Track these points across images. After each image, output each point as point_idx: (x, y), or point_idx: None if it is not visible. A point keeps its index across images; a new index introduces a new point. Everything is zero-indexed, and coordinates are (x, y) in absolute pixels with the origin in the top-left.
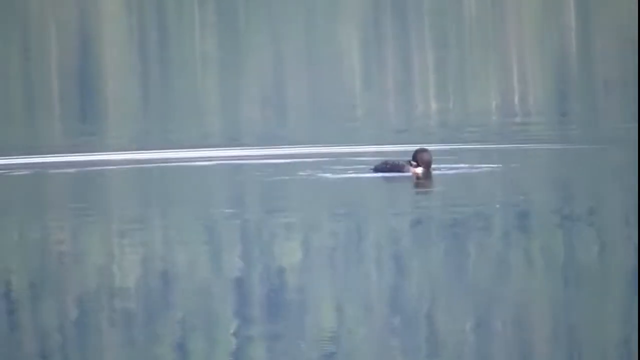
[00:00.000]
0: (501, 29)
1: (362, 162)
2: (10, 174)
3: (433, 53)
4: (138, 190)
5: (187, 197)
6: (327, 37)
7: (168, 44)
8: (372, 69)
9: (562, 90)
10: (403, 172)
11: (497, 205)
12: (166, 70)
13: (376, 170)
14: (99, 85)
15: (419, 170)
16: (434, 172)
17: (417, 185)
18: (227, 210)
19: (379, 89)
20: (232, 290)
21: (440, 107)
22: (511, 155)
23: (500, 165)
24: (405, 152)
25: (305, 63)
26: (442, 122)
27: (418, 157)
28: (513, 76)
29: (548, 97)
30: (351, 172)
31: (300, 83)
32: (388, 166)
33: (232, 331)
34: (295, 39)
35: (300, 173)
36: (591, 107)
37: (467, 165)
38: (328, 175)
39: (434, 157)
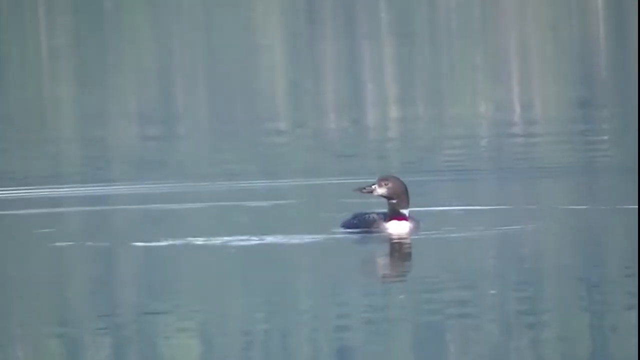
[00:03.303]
0: (494, 5)
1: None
2: None
3: (392, 45)
4: None
5: (33, 279)
6: (239, 22)
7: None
8: (303, 67)
9: (583, 94)
10: (372, 229)
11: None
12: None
13: (344, 226)
14: None
15: (395, 227)
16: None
17: (391, 253)
18: (86, 305)
19: (312, 95)
20: None
21: (403, 117)
22: (510, 194)
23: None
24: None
25: (205, 60)
26: (405, 140)
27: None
28: (511, 74)
29: (563, 103)
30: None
31: (196, 89)
32: (355, 222)
33: None
34: (192, 25)
35: (200, 237)
36: (628, 117)
37: (447, 208)
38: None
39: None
